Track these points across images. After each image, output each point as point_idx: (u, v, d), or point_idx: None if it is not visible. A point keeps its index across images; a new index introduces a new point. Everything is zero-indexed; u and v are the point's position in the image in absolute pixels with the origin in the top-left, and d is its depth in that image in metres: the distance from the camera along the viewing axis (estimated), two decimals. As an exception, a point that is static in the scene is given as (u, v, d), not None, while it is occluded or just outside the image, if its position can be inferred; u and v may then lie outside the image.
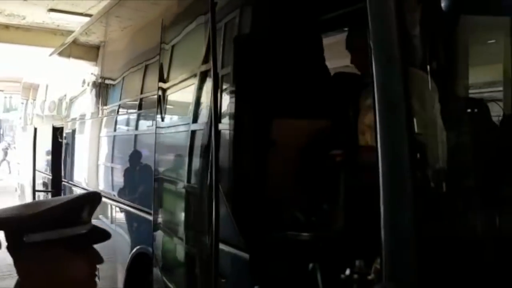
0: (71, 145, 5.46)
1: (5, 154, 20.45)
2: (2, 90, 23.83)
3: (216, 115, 1.98)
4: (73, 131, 5.48)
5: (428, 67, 1.53)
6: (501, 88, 2.61)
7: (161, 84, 2.74)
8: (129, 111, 4.02)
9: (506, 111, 2.40)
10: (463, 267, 1.39)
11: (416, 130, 1.41)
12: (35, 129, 7.11)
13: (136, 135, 3.74)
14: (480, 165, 1.59)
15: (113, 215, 3.88)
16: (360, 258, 1.55)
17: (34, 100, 8.14)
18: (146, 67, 3.62)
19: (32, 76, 8.87)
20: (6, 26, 10.71)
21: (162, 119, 2.74)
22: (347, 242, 2.04)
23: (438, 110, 1.55)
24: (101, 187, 4.35)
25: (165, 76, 2.72)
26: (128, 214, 3.63)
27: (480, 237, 1.42)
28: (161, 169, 2.62)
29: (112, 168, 4.25)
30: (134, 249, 3.39)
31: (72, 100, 5.77)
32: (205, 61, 2.18)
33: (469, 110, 1.98)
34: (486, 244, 1.40)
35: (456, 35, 1.87)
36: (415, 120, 1.42)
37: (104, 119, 4.57)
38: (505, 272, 1.39)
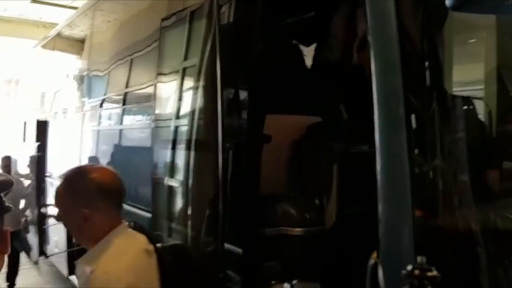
0: (55, 140, 5.37)
1: None
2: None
3: (223, 111, 1.97)
4: (58, 125, 5.39)
5: (425, 63, 1.54)
6: (481, 87, 2.65)
7: (160, 77, 2.70)
8: (114, 105, 3.96)
9: (486, 109, 2.44)
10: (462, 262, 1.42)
11: (414, 125, 1.43)
12: (25, 123, 6.94)
13: (122, 130, 3.69)
14: (473, 161, 1.61)
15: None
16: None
17: (16, 93, 7.99)
18: (132, 61, 3.59)
19: (14, 69, 8.69)
20: (-14, 18, 10.47)
21: (160, 114, 2.71)
22: (340, 238, 2.07)
23: (434, 107, 1.56)
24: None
25: (163, 69, 2.68)
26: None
27: (478, 232, 1.44)
28: (159, 167, 2.59)
29: (101, 163, 4.20)
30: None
31: (56, 94, 5.67)
32: (207, 55, 2.16)
33: (461, 107, 2.00)
34: (486, 239, 1.42)
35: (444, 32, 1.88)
36: (413, 115, 1.43)
37: (88, 113, 4.50)
38: (503, 267, 1.42)
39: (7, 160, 5.35)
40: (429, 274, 1.09)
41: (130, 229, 1.69)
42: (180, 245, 2.12)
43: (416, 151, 1.42)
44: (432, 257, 1.40)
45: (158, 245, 1.75)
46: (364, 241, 1.72)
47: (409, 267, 1.09)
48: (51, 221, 5.45)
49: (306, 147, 2.32)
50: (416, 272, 1.09)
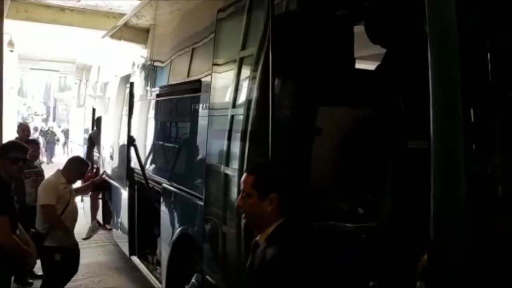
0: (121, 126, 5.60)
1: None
2: (57, 70, 24.89)
3: (273, 102, 1.96)
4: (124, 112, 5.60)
5: (487, 54, 1.43)
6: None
7: (215, 68, 2.73)
8: (174, 94, 4.05)
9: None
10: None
11: (472, 121, 1.33)
12: (94, 110, 7.28)
13: (187, 119, 3.78)
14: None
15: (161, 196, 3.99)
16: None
17: (87, 80, 8.41)
18: (192, 50, 3.66)
19: (85, 57, 9.15)
20: (62, 9, 11.11)
21: (215, 103, 2.74)
22: (392, 235, 2.00)
23: (495, 101, 1.45)
24: (148, 168, 4.46)
25: (219, 59, 2.71)
26: (174, 196, 3.72)
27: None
28: (213, 155, 2.63)
29: (158, 150, 4.35)
30: (179, 229, 3.49)
31: (123, 82, 5.89)
32: (261, 46, 2.15)
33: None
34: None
35: None
36: (471, 110, 1.34)
37: (152, 101, 4.65)
38: None
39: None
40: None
41: None
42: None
43: (474, 147, 1.33)
44: (491, 263, 1.32)
45: None
46: (418, 241, 1.65)
47: None
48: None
49: (360, 140, 2.25)
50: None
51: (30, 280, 5.15)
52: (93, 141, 6.84)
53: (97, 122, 6.74)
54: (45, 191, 4.05)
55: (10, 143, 3.49)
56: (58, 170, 4.32)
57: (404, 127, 2.09)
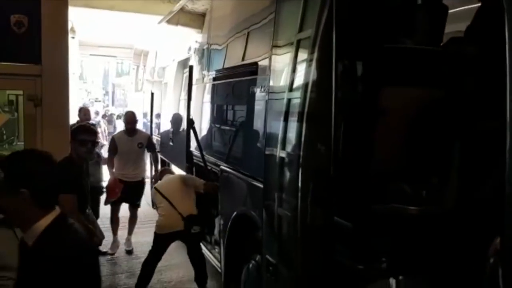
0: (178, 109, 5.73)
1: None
2: (115, 56, 25.71)
3: (337, 84, 1.94)
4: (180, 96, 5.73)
5: None
6: None
7: (274, 50, 2.71)
8: (231, 77, 4.09)
9: None
10: None
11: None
12: (152, 94, 7.47)
13: (244, 102, 3.81)
14: None
15: (218, 177, 4.08)
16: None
17: (145, 65, 8.64)
18: (248, 33, 3.66)
19: (143, 43, 9.39)
20: (118, -5, 11.39)
21: (274, 86, 2.74)
22: (459, 219, 1.94)
23: None
24: (206, 149, 4.56)
25: (279, 41, 2.69)
26: (232, 177, 3.78)
27: None
28: (272, 138, 2.64)
29: (216, 132, 4.43)
30: (237, 210, 3.55)
31: (180, 66, 6.02)
32: (324, 26, 2.11)
33: None
34: None
35: None
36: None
37: (208, 85, 4.73)
38: None
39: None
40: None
41: None
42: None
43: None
44: None
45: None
46: (487, 226, 1.60)
47: None
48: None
49: (427, 122, 2.18)
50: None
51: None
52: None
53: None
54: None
55: (79, 126, 3.67)
56: None
57: (473, 109, 2.01)
